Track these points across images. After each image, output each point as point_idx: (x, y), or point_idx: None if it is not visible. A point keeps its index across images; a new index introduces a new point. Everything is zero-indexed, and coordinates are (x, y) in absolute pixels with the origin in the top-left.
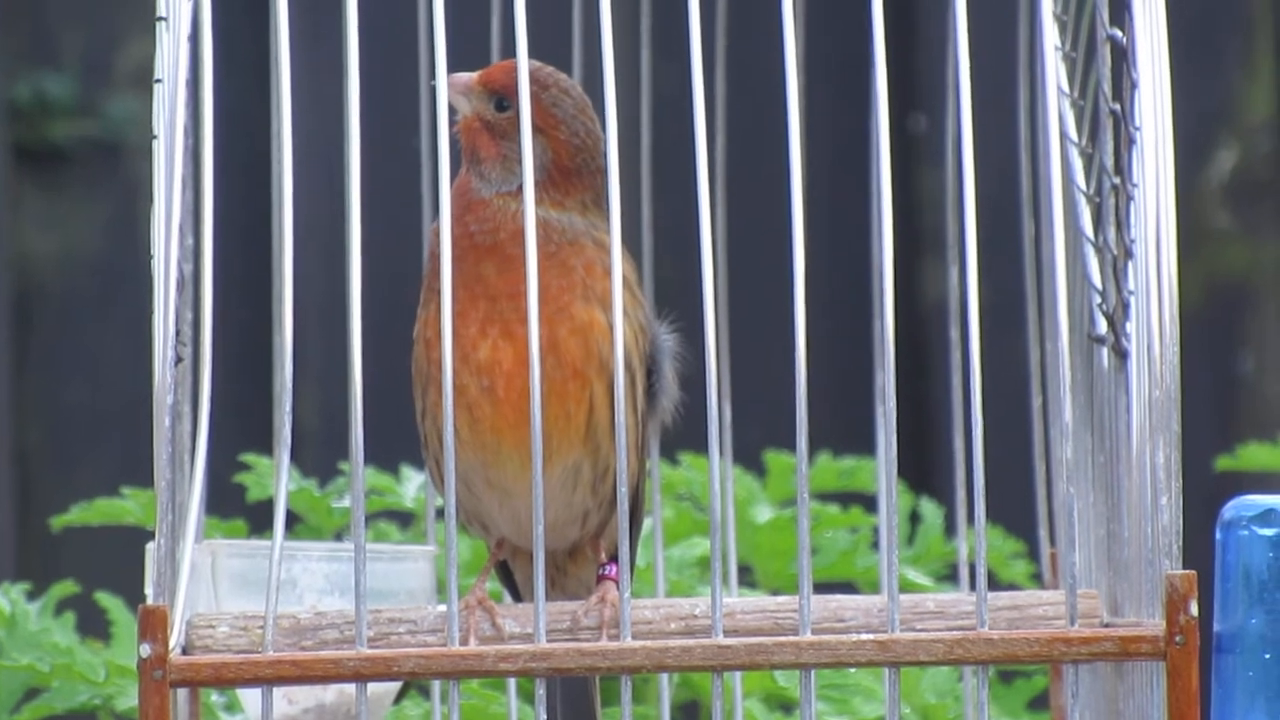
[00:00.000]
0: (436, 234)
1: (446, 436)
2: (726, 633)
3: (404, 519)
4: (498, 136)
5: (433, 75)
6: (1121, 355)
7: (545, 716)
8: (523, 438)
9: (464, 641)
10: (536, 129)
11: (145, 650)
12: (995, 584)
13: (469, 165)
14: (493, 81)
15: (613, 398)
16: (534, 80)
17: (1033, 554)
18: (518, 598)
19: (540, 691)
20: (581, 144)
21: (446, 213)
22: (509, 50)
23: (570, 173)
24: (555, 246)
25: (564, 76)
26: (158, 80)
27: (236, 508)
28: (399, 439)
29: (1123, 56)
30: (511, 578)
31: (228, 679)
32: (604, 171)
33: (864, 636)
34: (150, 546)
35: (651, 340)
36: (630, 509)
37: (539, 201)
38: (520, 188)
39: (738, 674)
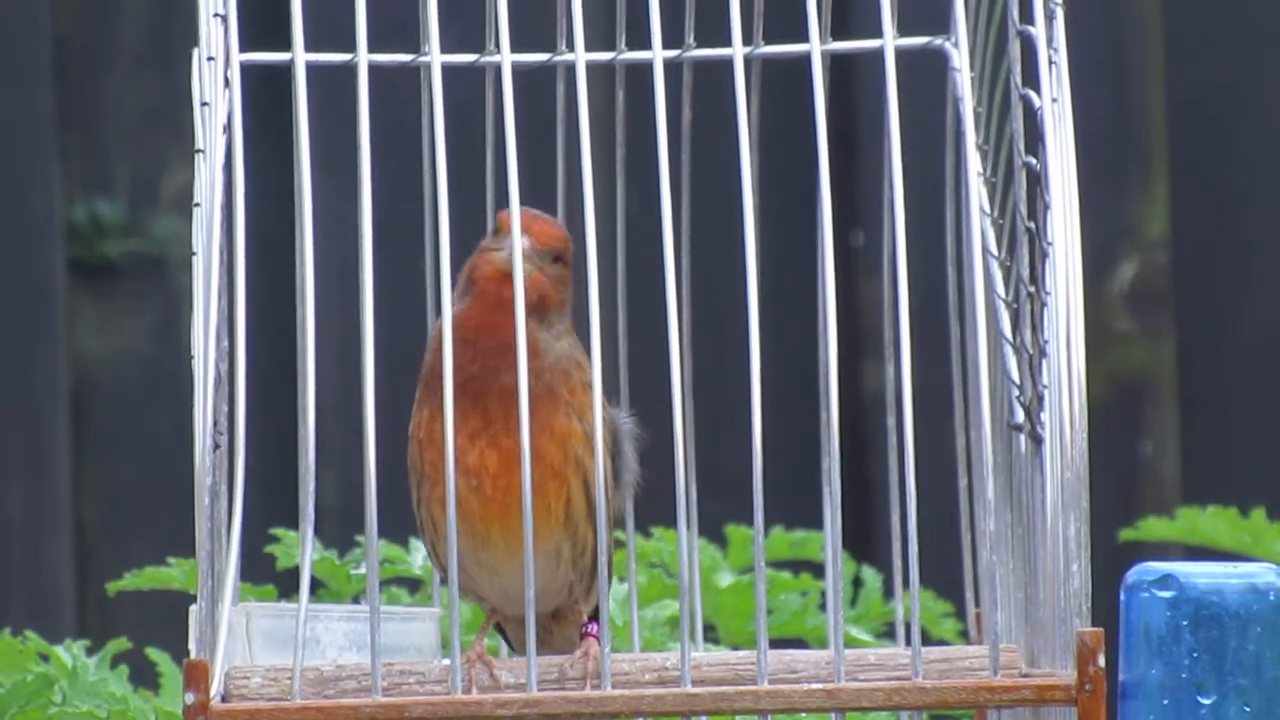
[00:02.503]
0: (434, 351)
1: (449, 521)
2: (694, 682)
3: (412, 585)
4: (559, 285)
5: (434, 202)
6: (1037, 441)
7: None
8: (508, 527)
9: (466, 690)
10: (567, 264)
11: (189, 699)
12: (928, 640)
13: (532, 313)
14: (552, 241)
15: (587, 490)
16: (555, 226)
17: (960, 614)
18: (514, 651)
19: None
20: (574, 274)
21: (449, 336)
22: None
23: (570, 299)
24: (550, 376)
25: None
26: (196, 204)
27: (267, 575)
28: (408, 515)
29: (1037, 181)
30: (508, 636)
31: None
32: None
33: (814, 686)
34: (193, 608)
35: (614, 425)
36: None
37: (563, 334)
38: (564, 328)
39: (704, 719)
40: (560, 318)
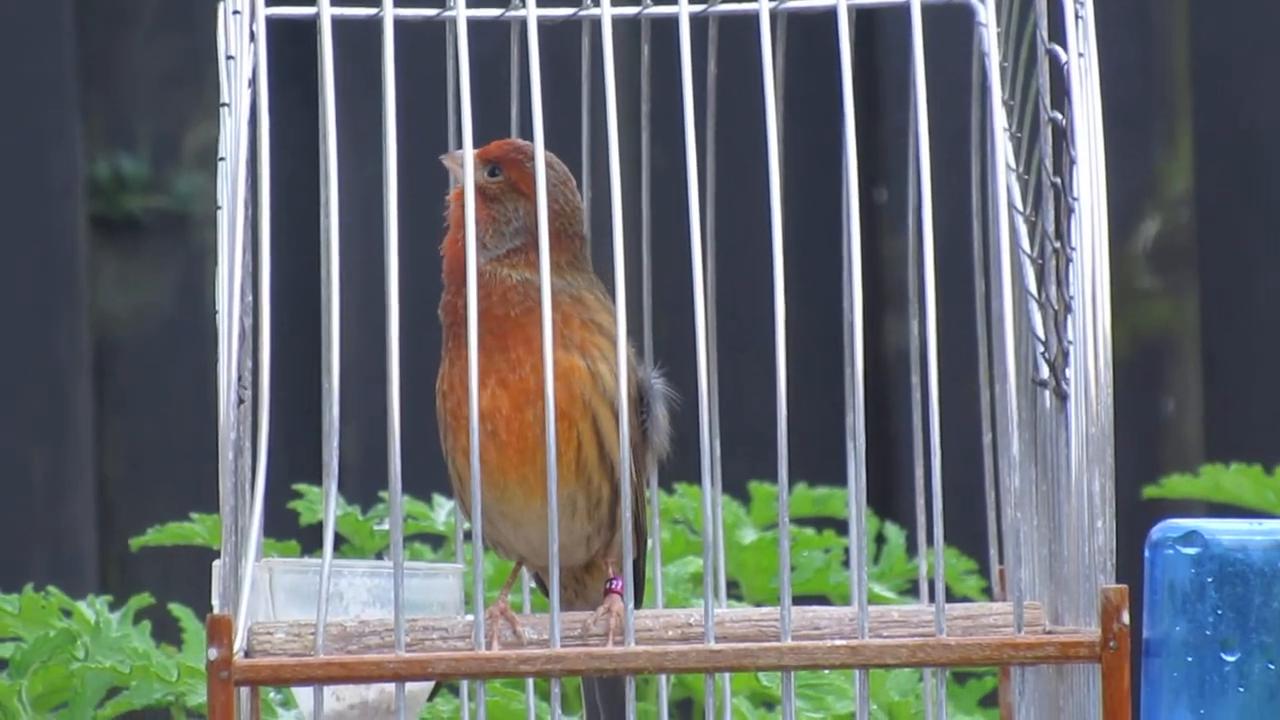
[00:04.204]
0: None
1: (474, 483)
2: (717, 639)
3: (436, 541)
4: (487, 200)
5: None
6: (1062, 397)
7: (586, 711)
8: (523, 476)
9: (489, 646)
10: (520, 193)
11: (212, 654)
12: (951, 597)
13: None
14: (487, 154)
15: (599, 437)
16: (519, 150)
17: (984, 571)
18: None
19: (555, 690)
20: (560, 210)
21: (473, 281)
22: (526, 132)
23: (549, 236)
24: (532, 303)
25: (550, 154)
26: (221, 158)
27: (291, 530)
28: (430, 472)
29: (1063, 137)
30: (544, 586)
31: (284, 679)
32: (587, 237)
33: (837, 642)
34: (216, 564)
35: (643, 383)
36: (633, 530)
37: (520, 265)
38: (509, 251)
39: (727, 675)
40: (499, 238)
